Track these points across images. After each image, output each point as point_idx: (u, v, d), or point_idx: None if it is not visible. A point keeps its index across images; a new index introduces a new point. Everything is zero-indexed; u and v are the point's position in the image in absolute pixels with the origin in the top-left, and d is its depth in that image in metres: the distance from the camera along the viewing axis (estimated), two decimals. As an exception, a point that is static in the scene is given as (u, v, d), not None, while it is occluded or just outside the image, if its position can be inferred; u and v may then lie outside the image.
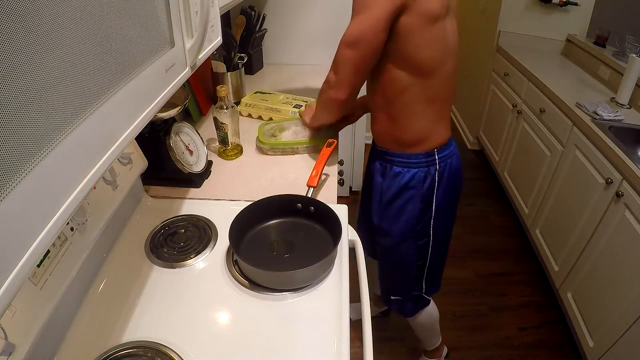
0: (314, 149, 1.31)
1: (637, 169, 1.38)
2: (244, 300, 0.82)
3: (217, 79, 1.57)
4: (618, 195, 1.45)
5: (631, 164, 1.42)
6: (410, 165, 1.11)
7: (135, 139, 0.69)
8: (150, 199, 1.10)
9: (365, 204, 1.35)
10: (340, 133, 1.40)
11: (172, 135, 1.07)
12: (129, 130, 0.50)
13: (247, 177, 1.19)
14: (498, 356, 1.73)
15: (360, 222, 1.44)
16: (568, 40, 2.56)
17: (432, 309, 1.42)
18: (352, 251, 0.97)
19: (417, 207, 1.14)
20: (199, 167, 1.14)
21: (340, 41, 0.98)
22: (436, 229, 1.19)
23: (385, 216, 1.20)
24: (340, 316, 0.79)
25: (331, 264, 0.89)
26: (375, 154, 1.20)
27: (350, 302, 0.82)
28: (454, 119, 3.63)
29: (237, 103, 1.56)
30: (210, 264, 0.91)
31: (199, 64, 0.72)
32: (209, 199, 1.10)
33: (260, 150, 1.31)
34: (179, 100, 1.06)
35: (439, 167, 1.11)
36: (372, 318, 0.83)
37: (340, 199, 1.19)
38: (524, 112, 2.30)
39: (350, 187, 2.51)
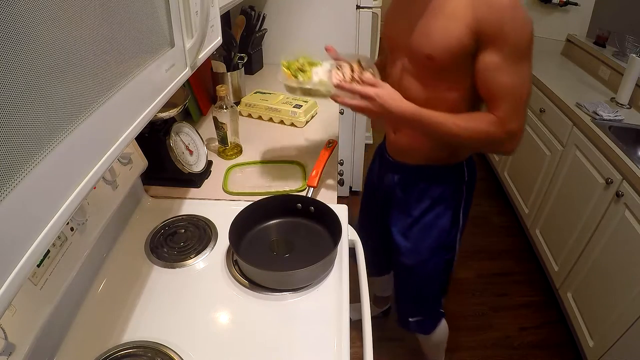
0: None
1: (637, 169, 1.38)
2: (244, 300, 0.82)
3: (217, 79, 1.57)
4: (618, 195, 1.45)
5: (631, 164, 1.42)
6: (439, 180, 1.06)
7: (135, 139, 0.69)
8: (150, 199, 1.09)
9: (375, 221, 1.27)
10: (340, 133, 1.40)
11: (172, 135, 1.07)
12: (129, 130, 0.50)
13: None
14: (498, 356, 1.73)
15: (368, 241, 1.38)
16: (568, 40, 2.56)
17: (444, 321, 1.35)
18: (352, 251, 0.97)
19: (447, 220, 1.10)
20: (199, 167, 1.14)
21: (521, 92, 0.85)
22: (460, 239, 1.16)
23: (411, 234, 1.13)
24: (340, 316, 0.79)
25: (331, 264, 0.89)
26: (391, 167, 1.13)
27: (350, 302, 0.82)
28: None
29: (237, 103, 1.56)
30: (210, 264, 0.91)
31: (199, 64, 0.72)
32: (209, 199, 1.10)
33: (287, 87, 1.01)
34: (179, 100, 1.06)
35: (467, 178, 1.08)
36: (372, 318, 0.83)
37: (340, 199, 1.17)
38: (524, 112, 2.30)
39: (350, 187, 2.51)
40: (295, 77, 0.98)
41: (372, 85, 0.89)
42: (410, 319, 1.29)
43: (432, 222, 1.10)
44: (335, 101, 0.92)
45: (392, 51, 1.02)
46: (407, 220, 1.13)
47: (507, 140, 0.87)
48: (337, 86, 0.91)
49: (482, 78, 0.85)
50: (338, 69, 0.98)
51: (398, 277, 1.28)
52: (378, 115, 0.90)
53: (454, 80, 0.90)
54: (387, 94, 0.88)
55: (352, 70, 0.97)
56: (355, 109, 0.91)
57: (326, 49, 1.04)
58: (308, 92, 1.00)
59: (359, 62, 0.99)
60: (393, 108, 0.88)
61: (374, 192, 1.27)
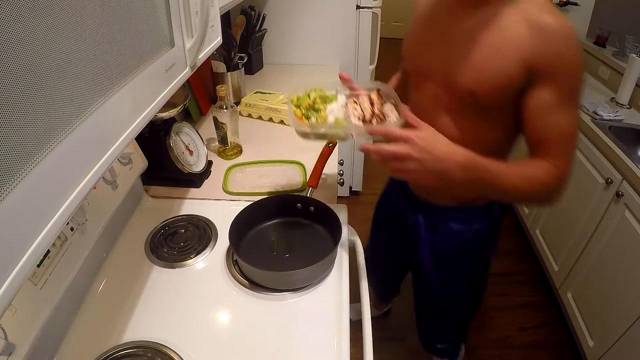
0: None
1: (637, 169, 1.38)
2: (244, 300, 0.82)
3: (217, 79, 1.57)
4: (618, 195, 1.45)
5: (631, 164, 1.41)
6: (471, 220, 0.99)
7: (135, 139, 0.69)
8: (150, 199, 1.09)
9: (389, 252, 1.23)
10: (340, 133, 1.39)
11: (172, 135, 1.06)
12: (129, 130, 0.50)
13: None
14: (498, 356, 1.73)
15: (379, 268, 1.31)
16: (568, 40, 2.56)
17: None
18: (352, 251, 0.97)
19: (478, 260, 1.05)
20: (199, 167, 1.14)
21: (574, 134, 0.75)
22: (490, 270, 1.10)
23: (440, 274, 1.08)
24: (340, 316, 0.79)
25: (331, 264, 0.89)
26: (415, 206, 1.05)
27: (350, 303, 0.82)
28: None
29: (237, 103, 1.56)
30: (210, 264, 0.91)
31: (199, 64, 0.72)
32: (209, 199, 1.10)
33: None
34: (179, 100, 1.06)
35: (498, 216, 1.01)
36: (372, 318, 0.83)
37: (340, 199, 1.17)
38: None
39: (350, 187, 2.51)
40: (307, 117, 0.83)
41: (413, 127, 0.69)
42: (438, 346, 1.30)
43: (462, 263, 1.05)
44: (364, 150, 0.69)
45: (419, 78, 0.89)
46: (435, 260, 1.07)
47: (558, 190, 0.75)
48: (371, 131, 0.75)
49: (533, 118, 0.73)
50: (355, 102, 0.84)
51: (426, 312, 1.24)
52: (418, 168, 0.66)
53: (497, 118, 0.80)
54: (433, 137, 0.68)
55: (372, 103, 0.84)
56: (386, 159, 0.67)
57: (340, 78, 0.89)
58: (323, 137, 0.87)
59: (378, 92, 0.86)
60: (443, 155, 0.66)
61: (390, 223, 1.19)
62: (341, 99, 0.86)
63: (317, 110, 0.83)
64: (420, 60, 0.87)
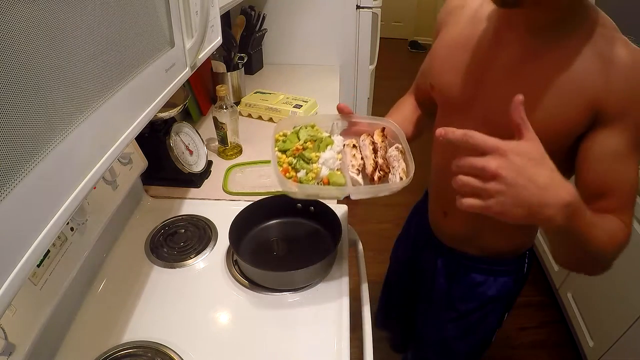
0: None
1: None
2: (244, 300, 0.82)
3: (217, 79, 1.57)
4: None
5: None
6: (497, 273, 0.87)
7: (135, 139, 0.69)
8: (150, 199, 1.09)
9: (404, 302, 1.11)
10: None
11: (172, 135, 1.07)
12: (129, 130, 0.50)
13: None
14: (498, 356, 1.72)
15: (392, 315, 1.18)
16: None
17: None
18: (353, 251, 0.97)
19: (495, 319, 0.93)
20: (199, 167, 1.14)
21: (637, 183, 0.63)
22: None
23: (447, 331, 0.96)
24: (340, 316, 0.79)
25: (331, 264, 0.89)
26: (436, 248, 0.93)
27: (349, 302, 0.82)
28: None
29: (237, 103, 1.56)
30: (210, 264, 0.91)
31: (199, 64, 0.72)
32: (209, 199, 1.10)
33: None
34: (179, 100, 1.06)
35: (527, 267, 0.89)
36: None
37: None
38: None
39: (350, 187, 2.51)
40: (295, 170, 0.67)
41: (518, 130, 0.51)
42: None
43: (480, 320, 0.92)
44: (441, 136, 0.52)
45: (450, 111, 0.75)
46: (446, 314, 0.94)
47: (621, 250, 0.63)
48: (374, 192, 0.64)
49: (597, 166, 0.61)
50: (354, 146, 0.71)
51: (417, 356, 1.12)
52: (505, 198, 0.48)
53: None
54: (538, 154, 0.50)
55: (375, 150, 0.70)
56: (468, 173, 0.50)
57: (339, 110, 0.76)
58: (315, 196, 0.72)
59: (383, 132, 0.73)
60: (546, 184, 0.49)
61: (407, 264, 1.08)
62: (337, 141, 0.72)
63: (307, 161, 0.67)
64: (454, 92, 0.72)
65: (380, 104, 2.75)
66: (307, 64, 2.03)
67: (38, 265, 0.67)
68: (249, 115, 1.53)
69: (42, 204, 0.36)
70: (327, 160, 0.68)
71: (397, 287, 1.18)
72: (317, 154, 0.69)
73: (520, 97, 0.51)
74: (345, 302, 0.82)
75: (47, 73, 0.35)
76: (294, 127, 0.74)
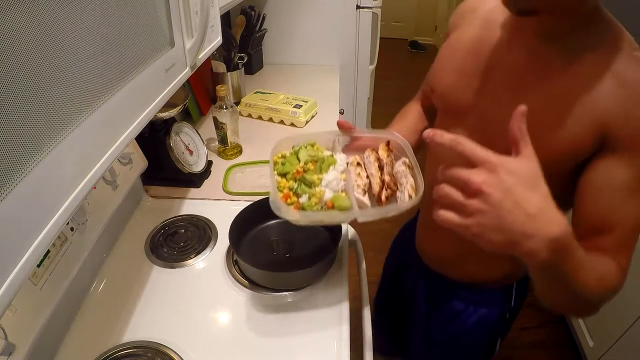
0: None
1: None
2: (244, 300, 0.82)
3: (217, 79, 1.57)
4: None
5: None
6: (478, 303, 0.81)
7: (135, 139, 0.69)
8: (150, 199, 1.09)
9: (388, 317, 1.08)
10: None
11: (172, 135, 1.07)
12: (129, 130, 0.50)
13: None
14: (498, 356, 1.72)
15: (384, 319, 1.13)
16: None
17: None
18: (353, 251, 0.97)
19: (478, 350, 0.87)
20: (199, 167, 1.14)
21: None
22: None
23: (435, 350, 0.92)
24: (340, 316, 0.79)
25: (331, 263, 0.89)
26: (417, 268, 0.89)
27: (349, 304, 0.82)
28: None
29: (237, 103, 1.56)
30: (210, 264, 0.91)
31: (199, 64, 0.72)
32: (209, 199, 1.10)
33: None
34: (179, 100, 1.06)
35: (514, 304, 0.82)
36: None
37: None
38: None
39: (350, 187, 2.51)
40: (297, 195, 0.62)
41: (515, 145, 0.45)
42: None
43: (461, 351, 0.88)
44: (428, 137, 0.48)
45: (448, 119, 0.71)
46: (426, 338, 0.91)
47: (611, 296, 0.56)
48: (382, 214, 0.59)
49: (598, 199, 0.55)
50: (359, 164, 0.66)
51: None
52: (485, 219, 0.43)
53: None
54: (532, 175, 0.44)
55: (380, 166, 0.65)
56: (450, 184, 0.46)
57: (340, 127, 0.70)
58: (319, 222, 0.68)
59: (388, 145, 0.69)
60: (536, 212, 0.43)
61: (392, 282, 1.05)
62: (340, 160, 0.66)
63: (309, 184, 0.62)
64: (452, 96, 0.68)
65: (380, 104, 2.76)
66: (307, 64, 2.03)
67: (38, 265, 0.67)
68: (249, 115, 1.53)
69: (42, 204, 0.36)
70: (330, 182, 0.63)
71: (385, 298, 1.14)
72: (320, 175, 0.63)
73: (523, 108, 0.45)
74: (345, 302, 0.82)
75: (47, 73, 0.35)
76: (293, 147, 0.69)
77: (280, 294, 0.83)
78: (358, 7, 1.88)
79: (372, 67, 2.08)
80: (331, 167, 0.65)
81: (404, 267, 0.97)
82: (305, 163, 0.65)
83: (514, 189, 0.42)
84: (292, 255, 0.91)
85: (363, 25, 1.92)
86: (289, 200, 0.63)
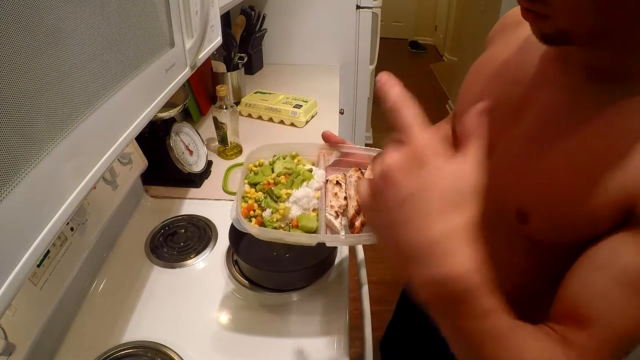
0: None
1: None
2: (244, 300, 0.82)
3: (217, 79, 1.57)
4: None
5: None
6: None
7: (135, 139, 0.69)
8: (150, 199, 1.09)
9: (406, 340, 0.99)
10: (340, 133, 1.37)
11: (172, 135, 1.07)
12: (129, 130, 0.50)
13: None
14: None
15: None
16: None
17: None
18: (352, 251, 0.97)
19: None
20: (199, 167, 1.14)
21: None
22: None
23: None
24: (340, 316, 0.79)
25: (331, 264, 0.89)
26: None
27: (349, 303, 0.82)
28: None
29: (237, 103, 1.56)
30: (210, 264, 0.91)
31: (199, 64, 0.72)
32: (209, 199, 1.10)
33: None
34: (179, 100, 1.06)
35: None
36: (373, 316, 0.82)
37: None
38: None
39: (350, 187, 2.51)
40: (261, 207, 0.58)
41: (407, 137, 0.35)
42: None
43: None
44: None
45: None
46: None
47: None
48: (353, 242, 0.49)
49: (589, 277, 0.42)
50: (338, 183, 0.59)
51: None
52: (376, 216, 0.35)
53: (546, 254, 0.49)
54: (439, 166, 0.32)
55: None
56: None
57: (325, 139, 0.62)
58: (281, 241, 0.58)
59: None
60: (433, 212, 0.32)
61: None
62: (318, 177, 0.60)
63: (275, 199, 0.57)
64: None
65: (380, 104, 2.75)
66: (307, 64, 2.03)
67: (38, 265, 0.67)
68: (249, 115, 1.53)
69: (42, 204, 0.36)
70: (299, 199, 0.58)
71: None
72: (289, 190, 0.58)
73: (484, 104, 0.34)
74: (345, 302, 0.82)
75: (47, 73, 0.35)
76: (274, 156, 0.65)
77: (280, 294, 0.83)
78: (358, 7, 1.88)
79: (372, 67, 2.08)
80: (304, 183, 0.60)
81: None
82: (278, 175, 0.61)
83: (429, 194, 0.31)
84: (292, 255, 0.91)
85: (363, 25, 1.92)
86: (251, 213, 0.58)
